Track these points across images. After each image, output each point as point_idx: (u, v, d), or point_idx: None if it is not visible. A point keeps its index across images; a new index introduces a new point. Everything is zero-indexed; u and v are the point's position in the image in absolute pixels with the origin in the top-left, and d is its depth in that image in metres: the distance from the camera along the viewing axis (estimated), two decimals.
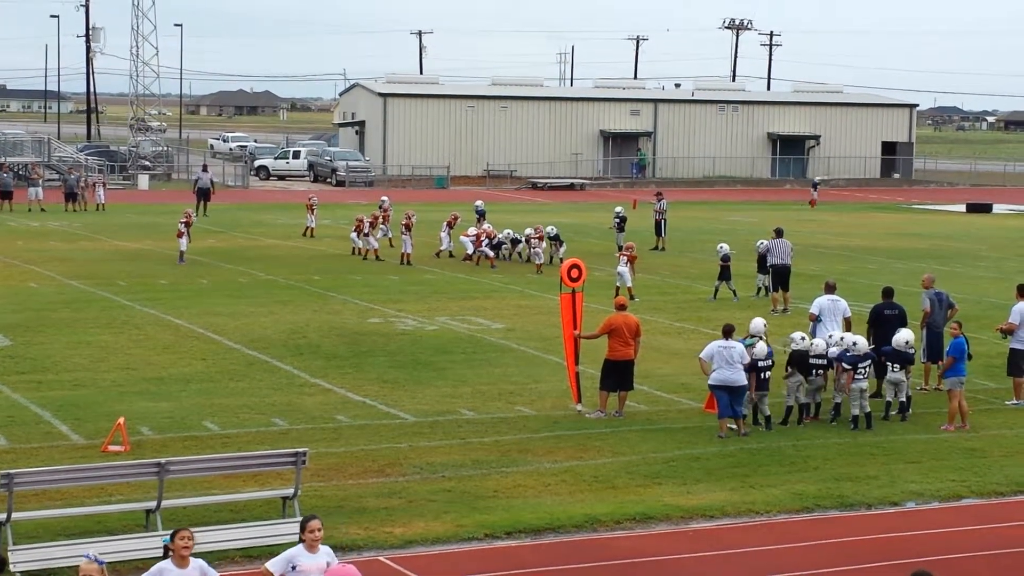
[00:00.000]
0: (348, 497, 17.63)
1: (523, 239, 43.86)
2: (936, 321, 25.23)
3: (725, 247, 37.08)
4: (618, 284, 35.74)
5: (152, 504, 15.89)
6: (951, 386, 22.41)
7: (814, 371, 22.45)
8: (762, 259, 36.32)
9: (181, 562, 11.42)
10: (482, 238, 43.19)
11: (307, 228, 51.39)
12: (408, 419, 22.09)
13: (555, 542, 16.38)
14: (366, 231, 44.53)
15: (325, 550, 11.91)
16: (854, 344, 22.52)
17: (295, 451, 16.59)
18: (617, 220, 47.09)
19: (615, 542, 16.39)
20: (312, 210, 51.76)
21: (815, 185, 79.30)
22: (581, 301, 23.17)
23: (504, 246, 43.97)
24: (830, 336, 23.29)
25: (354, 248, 44.92)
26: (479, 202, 52.45)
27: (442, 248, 44.99)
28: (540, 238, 42.49)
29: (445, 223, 45.68)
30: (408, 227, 42.94)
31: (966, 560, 16.01)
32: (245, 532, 15.86)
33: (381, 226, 46.53)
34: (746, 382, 21.41)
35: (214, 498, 16.90)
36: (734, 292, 36.08)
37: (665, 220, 49.38)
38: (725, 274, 36.37)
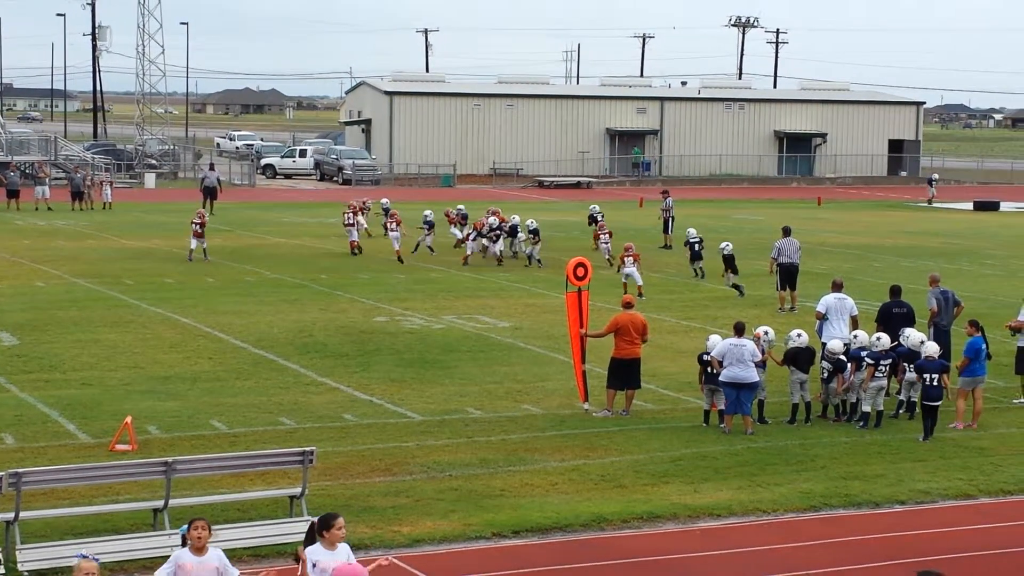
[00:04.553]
0: (355, 496, 17.64)
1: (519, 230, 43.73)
2: (943, 320, 25.16)
3: (729, 245, 37.84)
4: (624, 281, 35.75)
5: (160, 503, 15.91)
6: (962, 385, 22.32)
7: (826, 373, 22.43)
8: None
9: (198, 552, 11.59)
10: (476, 228, 43.30)
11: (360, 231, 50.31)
12: (415, 418, 22.10)
13: (562, 541, 16.38)
14: (349, 222, 44.66)
15: (343, 547, 11.93)
16: (878, 339, 22.42)
17: (302, 450, 16.60)
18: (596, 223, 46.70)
19: (622, 541, 16.38)
20: (362, 213, 48.55)
21: (931, 181, 78.56)
22: (587, 300, 23.18)
23: (499, 234, 43.08)
24: (855, 336, 23.02)
25: (352, 245, 44.82)
26: (461, 206, 51.16)
27: (459, 236, 45.31)
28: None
29: (448, 221, 46.46)
30: (398, 222, 43.20)
31: (974, 559, 15.98)
32: (253, 531, 15.87)
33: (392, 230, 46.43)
34: (757, 379, 21.46)
35: (221, 497, 16.91)
36: (736, 286, 36.71)
37: (672, 218, 49.29)
38: (730, 265, 37.10)
